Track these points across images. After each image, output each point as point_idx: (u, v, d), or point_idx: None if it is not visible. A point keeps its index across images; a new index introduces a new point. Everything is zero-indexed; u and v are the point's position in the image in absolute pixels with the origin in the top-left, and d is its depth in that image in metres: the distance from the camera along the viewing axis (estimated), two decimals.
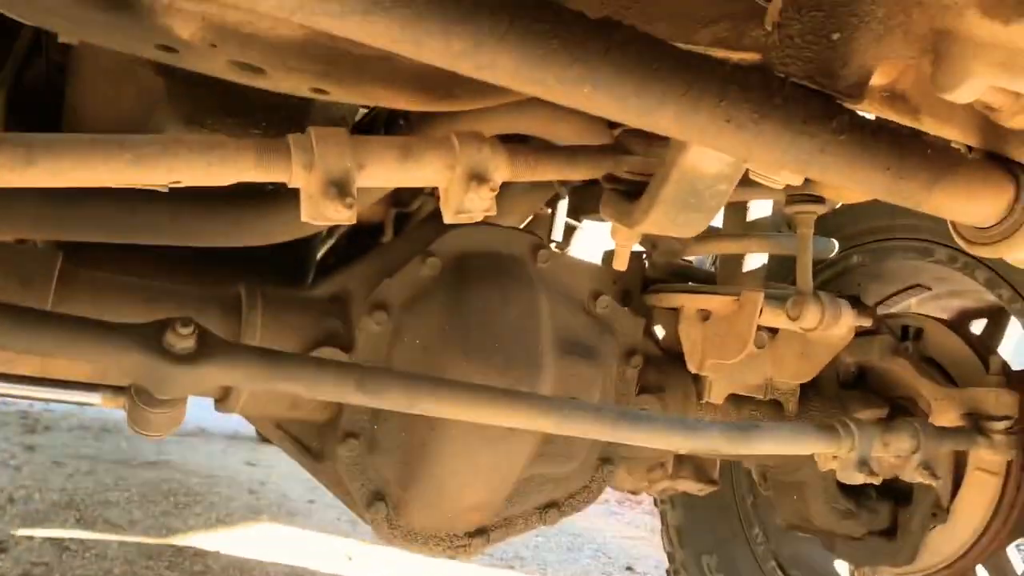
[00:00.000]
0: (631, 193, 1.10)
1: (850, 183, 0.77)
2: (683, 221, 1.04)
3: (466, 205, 0.99)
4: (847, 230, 1.90)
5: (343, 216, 0.92)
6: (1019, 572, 1.68)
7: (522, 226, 1.98)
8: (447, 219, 1.01)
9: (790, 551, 2.00)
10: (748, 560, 2.03)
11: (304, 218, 0.94)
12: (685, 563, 2.17)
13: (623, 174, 1.11)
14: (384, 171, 0.96)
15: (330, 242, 1.85)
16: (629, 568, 3.39)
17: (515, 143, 1.08)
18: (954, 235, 0.91)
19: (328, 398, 1.21)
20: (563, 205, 2.04)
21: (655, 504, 2.30)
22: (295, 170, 0.92)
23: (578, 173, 1.09)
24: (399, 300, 1.31)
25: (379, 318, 1.29)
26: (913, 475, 1.55)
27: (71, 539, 2.53)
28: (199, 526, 2.96)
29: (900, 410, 1.75)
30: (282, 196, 1.23)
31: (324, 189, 0.92)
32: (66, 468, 3.44)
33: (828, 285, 2.00)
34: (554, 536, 3.69)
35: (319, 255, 1.87)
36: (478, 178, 0.98)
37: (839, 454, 1.43)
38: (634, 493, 1.72)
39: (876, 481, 1.45)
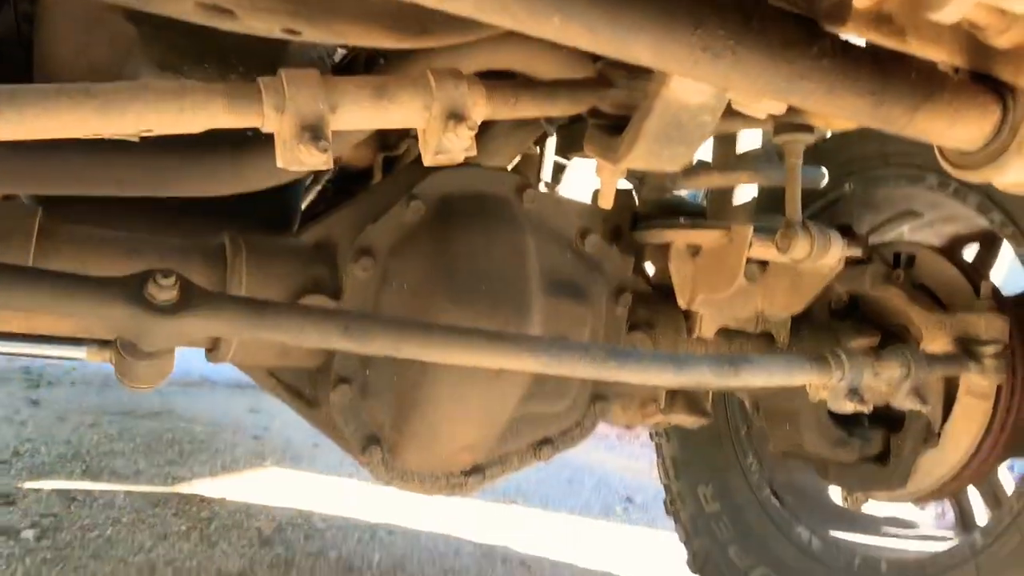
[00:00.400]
0: (615, 128, 1.08)
1: (832, 109, 0.75)
2: (667, 155, 1.02)
3: (445, 145, 0.97)
4: (839, 158, 1.87)
5: (318, 161, 0.90)
6: (1009, 492, 1.71)
7: (510, 166, 1.96)
8: (426, 161, 0.99)
9: (784, 478, 2.02)
10: (743, 488, 2.06)
11: (279, 164, 0.92)
12: (681, 494, 2.20)
13: (607, 108, 1.09)
14: (358, 112, 0.94)
15: (317, 188, 1.83)
16: (628, 499, 3.45)
17: (495, 80, 1.05)
18: (940, 160, 0.90)
19: (314, 345, 1.21)
20: (551, 143, 2.02)
21: (650, 438, 2.32)
22: (267, 114, 0.90)
23: (560, 109, 1.07)
24: (384, 245, 1.30)
25: (365, 264, 1.28)
26: (903, 402, 1.56)
27: (78, 490, 2.57)
28: (204, 473, 3.01)
29: (892, 338, 1.75)
30: (258, 142, 1.21)
31: (297, 133, 0.90)
32: (71, 421, 3.47)
33: (821, 215, 1.98)
34: (556, 471, 3.75)
35: (307, 201, 1.85)
36: (456, 117, 0.96)
37: (829, 384, 1.44)
38: (628, 428, 1.73)
39: (866, 409, 1.45)
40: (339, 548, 2.39)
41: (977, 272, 1.74)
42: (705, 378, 1.31)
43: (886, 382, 1.50)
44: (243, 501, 2.71)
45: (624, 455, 4.26)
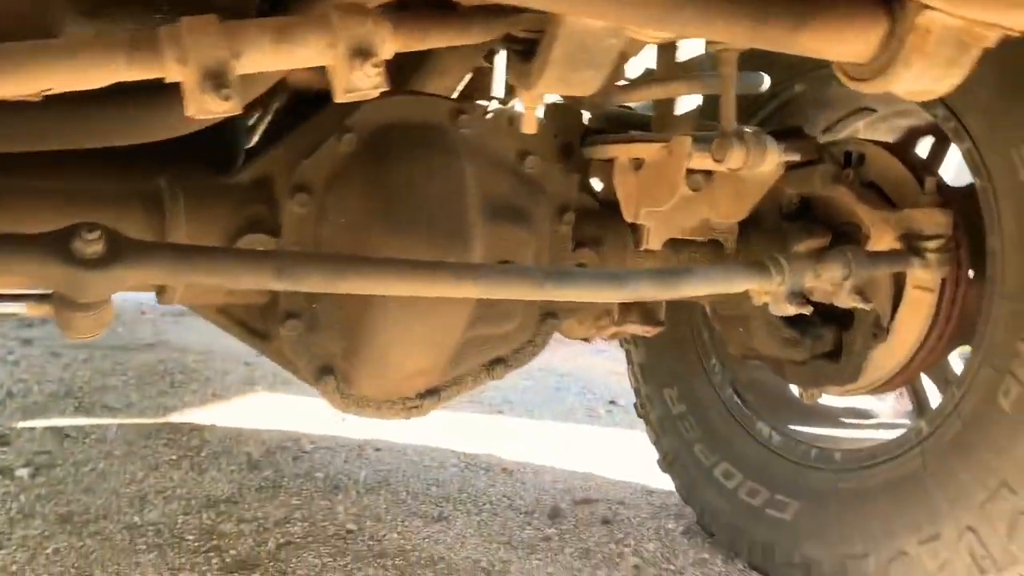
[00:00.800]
0: (529, 54, 1.08)
1: (713, 35, 0.76)
2: (577, 80, 1.03)
3: (354, 83, 0.98)
4: (787, 59, 1.86)
5: (225, 108, 0.91)
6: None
7: (461, 84, 1.95)
8: (336, 99, 1.00)
9: (746, 377, 2.09)
10: (706, 389, 2.12)
11: (188, 113, 0.93)
12: (650, 397, 2.27)
13: (520, 34, 1.09)
14: (263, 57, 0.94)
15: (264, 125, 1.82)
16: (612, 402, 3.54)
17: (404, 11, 1.05)
18: (837, 72, 0.90)
19: (248, 287, 1.24)
20: (501, 59, 1.99)
21: (620, 345, 2.38)
22: (169, 65, 0.91)
23: (472, 37, 1.07)
24: (320, 180, 1.31)
25: (301, 200, 1.29)
26: (846, 301, 1.60)
27: (71, 427, 2.64)
28: (195, 402, 3.09)
29: (843, 237, 1.78)
30: (171, 90, 1.20)
31: (202, 82, 0.91)
32: (63, 358, 3.54)
33: (774, 117, 1.98)
34: (542, 379, 3.83)
35: (255, 138, 1.85)
36: (363, 54, 0.96)
37: (770, 289, 1.47)
38: (586, 340, 1.78)
39: (807, 312, 1.49)
40: (326, 468, 2.48)
41: (925, 167, 1.75)
42: (645, 291, 1.34)
43: (828, 283, 1.54)
44: (233, 427, 2.79)
45: (610, 359, 4.34)
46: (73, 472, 2.27)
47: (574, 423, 3.28)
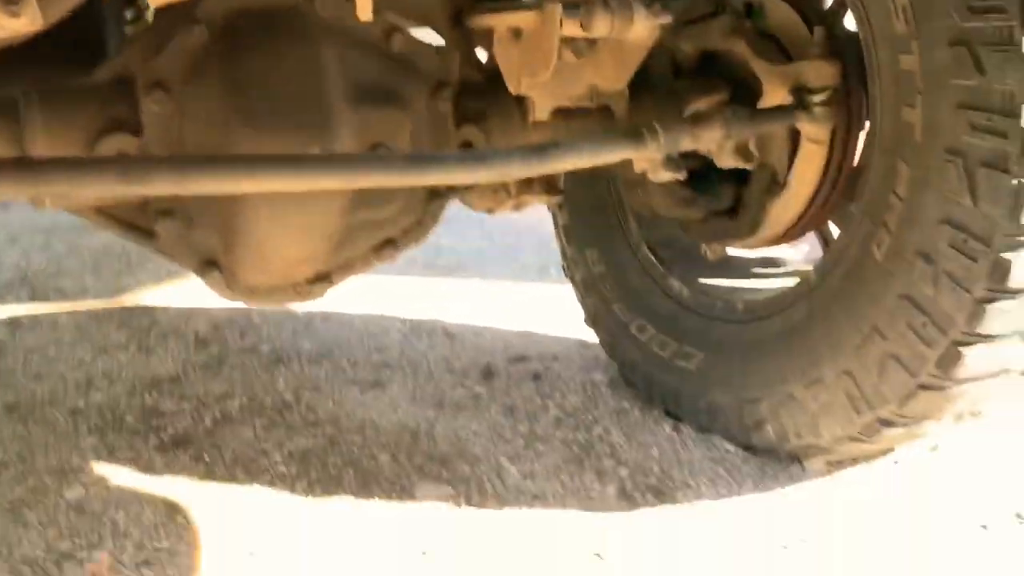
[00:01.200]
0: None
1: None
2: None
3: None
4: None
5: (17, 25, 0.90)
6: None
7: None
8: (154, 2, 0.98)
9: (660, 236, 2.13)
10: (624, 248, 2.17)
11: None
12: (574, 258, 2.32)
13: None
14: None
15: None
16: None
17: None
18: None
19: (95, 195, 1.25)
20: None
21: (547, 208, 2.41)
22: None
23: None
24: (176, 76, 1.29)
25: (158, 97, 1.28)
26: (727, 161, 1.61)
27: (24, 315, 2.72)
28: (149, 282, 3.14)
29: (743, 91, 1.77)
30: None
31: None
32: (21, 243, 3.58)
33: None
34: (499, 237, 3.87)
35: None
36: None
37: (646, 156, 1.49)
38: (489, 213, 1.80)
39: (681, 178, 1.51)
40: (272, 342, 2.56)
41: (819, 16, 1.72)
42: (513, 169, 1.36)
43: (707, 145, 1.55)
44: (185, 307, 2.86)
45: None
46: (23, 360, 2.35)
47: (527, 282, 3.35)
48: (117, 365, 2.33)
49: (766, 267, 2.09)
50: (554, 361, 2.44)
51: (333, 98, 1.34)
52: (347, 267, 1.52)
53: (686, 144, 1.51)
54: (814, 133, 1.68)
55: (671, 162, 1.48)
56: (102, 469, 1.77)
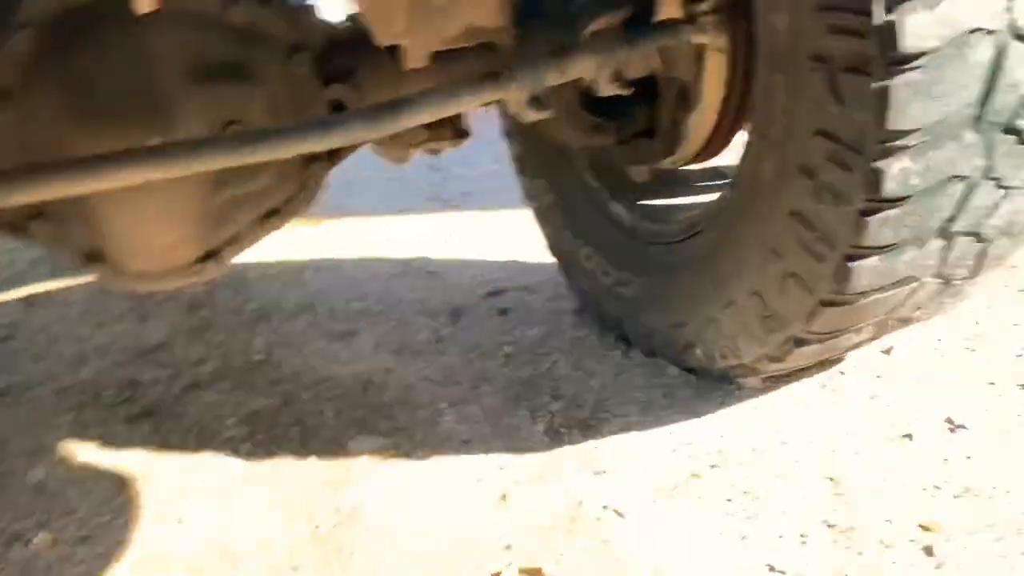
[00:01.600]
0: None
1: None
2: None
3: None
4: None
5: None
6: None
7: None
8: None
9: (603, 161, 2.06)
10: (570, 175, 2.12)
11: None
12: (529, 188, 2.28)
13: None
14: None
15: None
16: None
17: None
18: None
19: None
20: None
21: (502, 139, 2.36)
22: None
23: None
24: (13, 82, 1.31)
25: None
26: (606, 90, 1.53)
27: (39, 294, 2.87)
28: None
29: (644, 8, 1.66)
30: None
31: None
32: None
33: None
34: (502, 168, 3.81)
35: None
36: None
37: (509, 98, 1.43)
38: (401, 162, 1.78)
39: (545, 116, 1.45)
40: (260, 298, 2.64)
41: None
42: (359, 132, 1.34)
43: (577, 77, 1.47)
44: None
45: None
46: (30, 339, 2.51)
47: (521, 209, 3.31)
48: (111, 337, 2.46)
49: (710, 178, 2.00)
50: (526, 291, 2.43)
51: (168, 84, 1.33)
52: (234, 242, 1.54)
53: (552, 79, 1.43)
54: (715, 42, 1.57)
55: (536, 100, 1.42)
56: (69, 447, 1.89)
